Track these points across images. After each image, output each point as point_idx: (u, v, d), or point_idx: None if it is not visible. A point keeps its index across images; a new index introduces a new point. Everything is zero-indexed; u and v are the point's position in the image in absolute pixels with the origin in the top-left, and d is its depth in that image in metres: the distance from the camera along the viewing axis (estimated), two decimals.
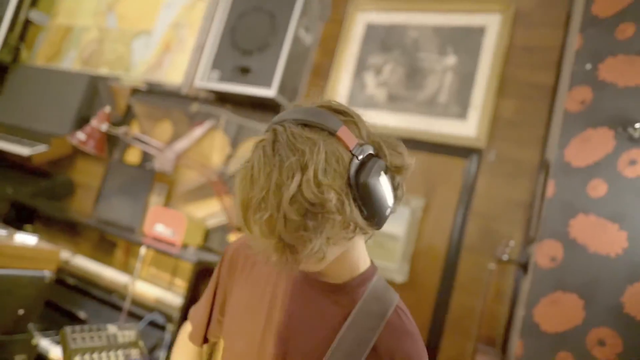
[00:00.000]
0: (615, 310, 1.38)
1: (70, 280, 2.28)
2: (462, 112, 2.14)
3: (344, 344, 0.77)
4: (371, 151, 0.71)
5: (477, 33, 2.19)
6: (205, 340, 0.98)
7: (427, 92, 2.24)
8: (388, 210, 0.73)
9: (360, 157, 0.69)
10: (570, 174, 1.59)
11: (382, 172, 0.71)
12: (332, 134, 0.68)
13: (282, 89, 2.29)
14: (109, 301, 2.22)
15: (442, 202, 2.12)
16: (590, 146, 1.57)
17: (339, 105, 0.73)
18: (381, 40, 2.38)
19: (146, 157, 2.58)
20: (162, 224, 2.29)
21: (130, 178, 2.49)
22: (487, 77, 2.12)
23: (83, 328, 1.42)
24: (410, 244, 2.10)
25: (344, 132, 0.68)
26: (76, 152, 2.80)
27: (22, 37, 3.30)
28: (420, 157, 2.19)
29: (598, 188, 1.51)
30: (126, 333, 1.48)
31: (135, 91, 2.82)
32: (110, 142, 2.57)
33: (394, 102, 2.28)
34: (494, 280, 1.86)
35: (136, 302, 2.12)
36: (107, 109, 1.81)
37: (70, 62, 3.16)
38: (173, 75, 2.78)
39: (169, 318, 2.06)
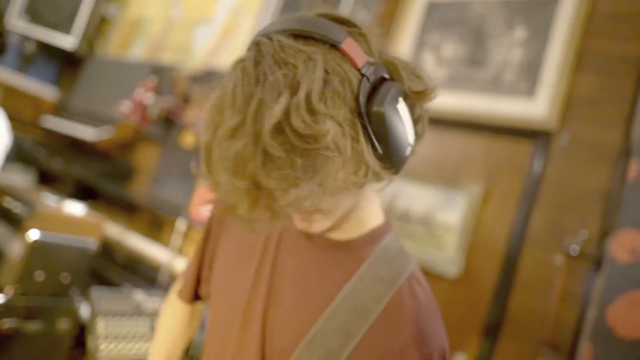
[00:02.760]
0: None
1: (120, 257, 2.34)
2: (530, 90, 1.91)
3: (341, 312, 0.63)
4: (384, 73, 0.56)
5: (552, 2, 1.95)
6: (197, 297, 0.87)
7: (491, 70, 2.03)
8: (408, 149, 0.58)
9: (372, 78, 0.54)
10: None
11: (401, 99, 0.55)
12: (335, 46, 0.52)
13: None
14: (154, 278, 2.24)
15: (505, 190, 1.90)
16: None
17: (342, 15, 0.58)
18: (442, 17, 2.21)
19: (198, 137, 2.61)
20: (209, 205, 2.28)
21: (183, 160, 2.52)
22: (561, 50, 1.87)
23: (110, 291, 1.41)
24: (466, 234, 1.89)
25: (350, 45, 0.53)
26: (137, 137, 2.91)
27: (97, 29, 3.51)
28: (482, 141, 1.99)
29: None
30: (154, 301, 1.45)
31: (194, 77, 2.87)
32: (167, 125, 2.63)
33: (454, 82, 2.09)
34: (562, 278, 1.61)
35: (174, 278, 2.12)
36: (153, 79, 1.82)
37: (138, 52, 3.31)
38: (230, 60, 2.79)
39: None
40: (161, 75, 2.97)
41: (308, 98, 0.48)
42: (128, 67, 3.12)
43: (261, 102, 0.48)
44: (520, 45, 1.99)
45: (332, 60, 0.51)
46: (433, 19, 2.24)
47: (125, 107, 1.73)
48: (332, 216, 0.62)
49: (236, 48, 2.81)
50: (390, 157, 0.55)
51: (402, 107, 0.56)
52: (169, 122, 2.61)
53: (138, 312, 1.37)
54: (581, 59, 1.84)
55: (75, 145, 3.10)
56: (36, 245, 1.63)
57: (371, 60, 0.55)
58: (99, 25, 3.50)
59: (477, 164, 1.97)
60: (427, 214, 1.98)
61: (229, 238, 0.78)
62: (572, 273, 1.60)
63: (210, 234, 0.83)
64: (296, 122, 0.47)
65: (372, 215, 0.71)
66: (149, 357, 0.84)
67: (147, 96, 1.77)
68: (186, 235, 2.20)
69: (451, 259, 1.89)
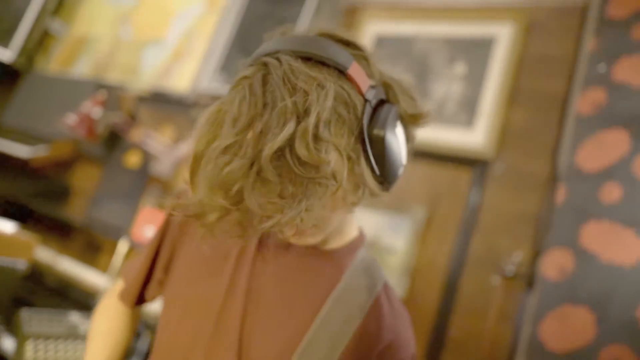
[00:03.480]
0: (631, 326, 1.22)
1: (50, 281, 2.19)
2: (469, 121, 2.05)
3: (330, 321, 0.63)
4: (383, 95, 0.58)
5: (488, 42, 2.12)
6: (140, 301, 0.82)
7: (434, 101, 2.15)
8: (402, 169, 0.60)
9: (374, 102, 0.55)
10: (581, 178, 1.46)
11: (398, 122, 0.58)
12: (342, 72, 0.53)
13: None
14: (89, 305, 2.11)
15: (446, 215, 1.98)
16: (604, 149, 1.44)
17: (344, 34, 0.59)
18: (389, 50, 2.34)
19: (146, 160, 2.54)
20: (152, 226, 2.20)
21: (126, 181, 2.43)
22: (497, 86, 2.03)
23: (42, 312, 1.31)
24: (410, 258, 1.95)
25: (355, 71, 0.53)
26: (76, 156, 2.78)
27: (39, 44, 3.37)
28: (425, 167, 2.08)
29: (612, 192, 1.38)
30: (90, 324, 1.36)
31: (141, 98, 2.81)
32: (110, 144, 2.54)
33: None
34: (499, 298, 1.69)
35: None
36: (102, 94, 1.77)
37: (81, 69, 3.21)
38: (181, 82, 2.77)
39: (146, 325, 1.93)
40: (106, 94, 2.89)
41: (316, 126, 0.47)
42: (70, 84, 3.00)
43: (267, 126, 0.47)
44: (460, 80, 2.14)
45: (340, 87, 0.52)
46: (382, 50, 2.36)
47: (71, 119, 1.66)
48: (325, 230, 0.63)
49: (185, 72, 2.80)
50: (387, 177, 0.58)
51: (399, 129, 0.58)
52: (113, 142, 2.53)
53: (73, 335, 1.28)
54: (514, 95, 2.00)
55: (7, 163, 2.91)
56: None
57: (372, 83, 0.57)
58: (41, 40, 3.37)
59: (421, 189, 2.05)
60: (374, 238, 2.02)
61: (195, 241, 0.73)
62: (509, 293, 1.68)
63: (166, 234, 0.78)
64: (300, 150, 0.46)
65: (351, 226, 0.73)
66: None
67: (95, 110, 1.71)
68: (127, 257, 2.10)
69: (396, 282, 1.93)
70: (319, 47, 0.53)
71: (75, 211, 2.68)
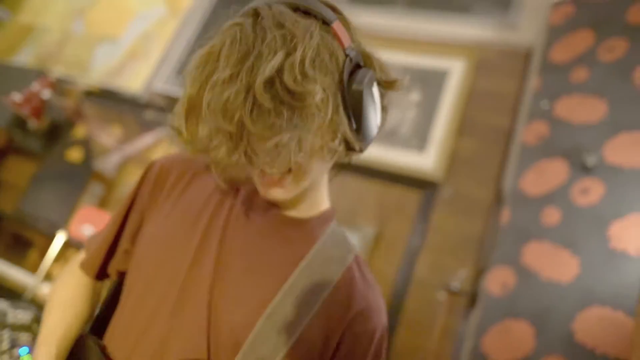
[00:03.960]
0: (567, 339, 1.30)
1: None
2: (421, 146, 2.15)
3: (298, 287, 0.64)
4: (360, 60, 0.61)
5: (442, 75, 2.26)
6: (102, 274, 0.78)
7: (389, 125, 2.24)
8: (376, 130, 0.64)
9: (354, 61, 0.59)
10: (524, 202, 1.57)
11: (375, 84, 0.62)
12: (327, 24, 0.57)
13: None
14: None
15: (395, 233, 2.04)
16: (545, 176, 1.57)
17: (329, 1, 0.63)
18: None
19: (89, 156, 2.40)
20: (91, 225, 2.07)
21: (65, 175, 2.28)
22: (448, 115, 2.16)
23: None
24: None
25: (339, 27, 0.58)
26: (9, 148, 2.58)
27: None
28: (376, 186, 2.14)
29: (552, 216, 1.49)
30: (20, 313, 1.24)
31: (89, 93, 2.69)
32: (49, 137, 2.38)
33: None
34: (444, 315, 1.75)
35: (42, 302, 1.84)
36: (53, 76, 1.66)
37: (25, 58, 3.02)
38: (133, 82, 2.68)
39: None
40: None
41: (302, 61, 0.51)
42: (10, 71, 2.81)
43: (259, 55, 0.51)
44: (415, 106, 2.25)
45: (324, 36, 0.56)
46: None
47: (16, 97, 1.53)
48: (300, 184, 0.64)
49: (139, 73, 2.72)
50: (361, 134, 0.61)
51: (375, 91, 0.62)
52: (54, 134, 2.37)
53: (1, 324, 1.16)
54: (463, 125, 2.14)
55: None
56: None
57: (352, 45, 0.60)
58: None
59: (371, 207, 2.11)
60: None
61: (166, 208, 0.72)
62: (453, 309, 1.74)
63: (134, 203, 0.76)
64: (288, 80, 0.50)
65: (323, 198, 0.74)
66: (42, 336, 0.70)
67: (44, 91, 1.60)
68: (61, 254, 1.95)
69: None
70: (307, 1, 0.58)
71: (4, 204, 2.46)
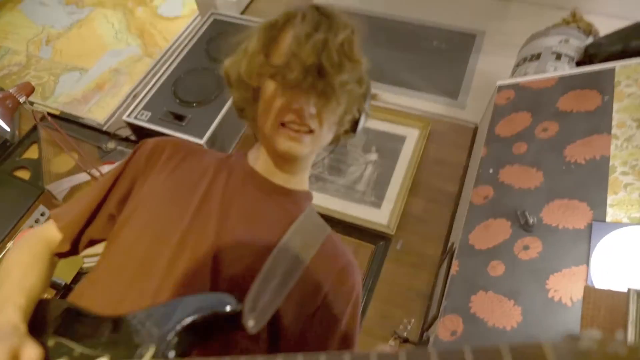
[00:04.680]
0: None
1: None
2: (377, 202, 2.28)
3: (291, 244, 0.72)
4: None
5: (398, 140, 2.46)
6: (76, 243, 0.79)
7: (348, 179, 2.38)
8: (363, 123, 0.84)
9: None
10: (473, 255, 1.71)
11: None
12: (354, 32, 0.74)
13: (211, 143, 2.29)
14: None
15: None
16: (491, 233, 1.73)
17: None
18: None
19: (37, 176, 2.30)
20: None
21: (11, 192, 2.15)
22: (401, 176, 2.33)
23: None
24: None
25: (358, 35, 0.74)
26: None
27: None
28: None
29: (497, 268, 1.63)
30: None
31: (46, 117, 2.62)
32: (3, 151, 2.27)
33: (317, 182, 2.37)
34: None
35: None
36: (31, 85, 1.63)
37: None
38: (97, 113, 2.67)
39: None
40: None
41: (357, 43, 0.70)
42: None
43: (331, 25, 0.68)
44: (372, 165, 2.41)
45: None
46: None
47: None
48: (312, 146, 0.75)
49: (105, 105, 2.72)
50: (364, 116, 0.82)
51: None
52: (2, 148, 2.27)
53: None
54: (415, 186, 2.31)
55: None
56: None
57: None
58: None
59: None
60: None
61: (162, 175, 0.78)
62: None
63: (124, 172, 0.80)
64: (354, 45, 0.68)
65: (306, 179, 0.86)
66: (5, 290, 0.67)
67: (20, 96, 1.57)
68: None
69: None
70: (333, 10, 0.73)
71: None
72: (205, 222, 0.71)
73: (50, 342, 0.64)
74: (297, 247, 0.72)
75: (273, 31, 0.71)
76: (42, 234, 0.80)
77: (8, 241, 1.96)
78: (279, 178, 0.80)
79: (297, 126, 0.71)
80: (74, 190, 2.31)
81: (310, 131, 0.72)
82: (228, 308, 0.61)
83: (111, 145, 2.46)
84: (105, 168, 2.41)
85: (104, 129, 2.58)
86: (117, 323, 0.64)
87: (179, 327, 0.59)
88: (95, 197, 0.79)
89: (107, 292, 0.68)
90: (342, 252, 0.80)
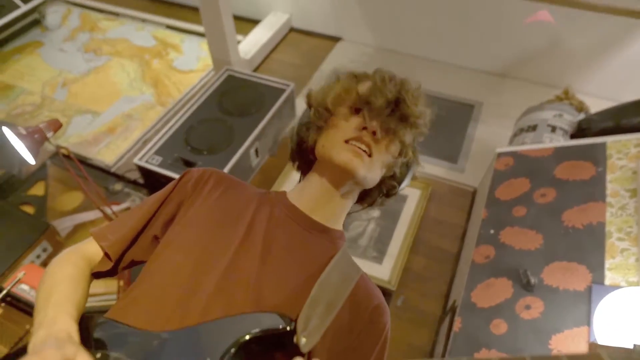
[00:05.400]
0: None
1: None
2: (378, 257, 2.32)
3: (329, 281, 0.76)
4: None
5: (400, 199, 2.55)
6: (112, 269, 0.81)
7: (351, 234, 2.42)
8: (401, 189, 0.92)
9: None
10: (475, 313, 1.74)
11: None
12: None
13: None
14: None
15: None
16: (493, 292, 1.77)
17: None
18: None
19: (40, 212, 2.30)
20: (27, 285, 1.92)
21: (16, 225, 2.14)
22: (403, 234, 2.39)
23: None
24: None
25: None
26: None
27: None
28: None
29: (499, 326, 1.66)
30: None
31: (56, 155, 2.67)
32: (8, 185, 2.29)
33: None
34: None
35: None
36: (60, 122, 1.67)
37: None
38: (106, 155, 2.72)
39: None
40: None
41: (422, 98, 0.84)
42: None
43: (403, 81, 0.83)
44: (375, 222, 2.47)
45: None
46: None
47: (21, 130, 1.51)
48: (367, 172, 0.80)
49: (115, 148, 2.79)
50: (399, 184, 0.89)
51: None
52: (11, 183, 2.29)
53: None
54: (415, 244, 2.37)
55: None
56: None
57: None
58: None
59: None
60: None
61: (209, 201, 0.82)
62: None
63: (171, 197, 0.84)
64: (420, 94, 0.83)
65: (342, 221, 0.90)
66: (54, 300, 0.68)
67: (48, 131, 1.61)
68: None
69: None
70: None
71: None
72: (251, 250, 0.75)
73: (98, 355, 0.66)
74: (336, 283, 0.76)
75: (358, 77, 0.85)
76: (84, 251, 0.81)
77: (9, 274, 1.93)
78: (319, 216, 0.84)
79: (361, 144, 0.79)
80: (77, 228, 2.31)
81: (369, 155, 0.79)
82: (281, 326, 0.64)
83: (118, 186, 2.49)
84: (112, 209, 2.43)
85: (112, 170, 2.62)
86: (166, 339, 0.66)
87: (236, 344, 0.61)
88: (142, 219, 0.82)
89: (152, 309, 0.70)
90: (374, 292, 0.83)
